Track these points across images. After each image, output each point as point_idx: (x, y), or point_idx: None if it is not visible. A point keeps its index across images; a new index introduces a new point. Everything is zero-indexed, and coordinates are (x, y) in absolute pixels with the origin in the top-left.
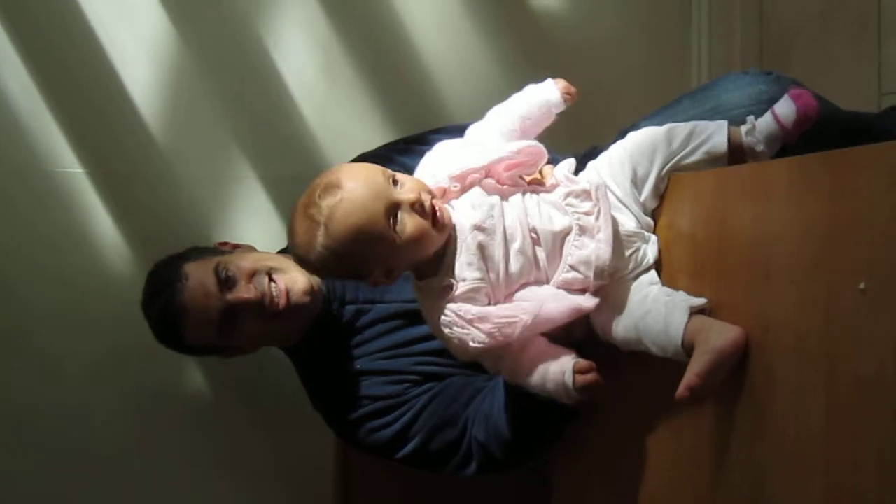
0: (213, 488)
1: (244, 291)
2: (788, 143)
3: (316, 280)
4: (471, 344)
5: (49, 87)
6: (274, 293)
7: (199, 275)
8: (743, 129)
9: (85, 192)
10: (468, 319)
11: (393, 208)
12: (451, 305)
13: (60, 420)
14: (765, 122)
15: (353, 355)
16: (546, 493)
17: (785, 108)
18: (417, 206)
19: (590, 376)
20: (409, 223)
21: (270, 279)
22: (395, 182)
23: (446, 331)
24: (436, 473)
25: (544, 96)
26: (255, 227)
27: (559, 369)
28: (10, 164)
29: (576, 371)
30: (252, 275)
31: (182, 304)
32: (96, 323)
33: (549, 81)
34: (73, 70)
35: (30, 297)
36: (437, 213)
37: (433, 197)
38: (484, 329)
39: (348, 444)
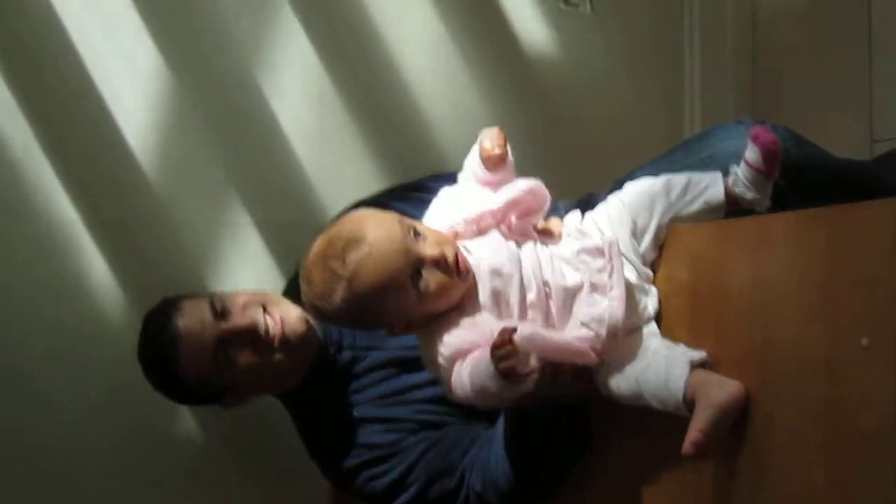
0: None
1: (239, 319)
2: (773, 179)
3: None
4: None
5: (45, 134)
6: (269, 323)
7: (193, 306)
8: (729, 180)
9: (80, 238)
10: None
11: (417, 265)
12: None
13: (51, 464)
14: (742, 171)
15: (350, 402)
16: None
17: (751, 153)
18: (442, 263)
19: (500, 339)
20: (432, 280)
21: (265, 311)
22: (416, 234)
23: (441, 361)
24: None
25: (475, 162)
26: (250, 272)
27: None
28: (7, 210)
29: (492, 346)
30: (246, 307)
31: (176, 331)
32: (91, 368)
33: (479, 139)
34: (69, 115)
35: (26, 340)
36: (461, 266)
37: (455, 249)
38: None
39: (345, 493)
